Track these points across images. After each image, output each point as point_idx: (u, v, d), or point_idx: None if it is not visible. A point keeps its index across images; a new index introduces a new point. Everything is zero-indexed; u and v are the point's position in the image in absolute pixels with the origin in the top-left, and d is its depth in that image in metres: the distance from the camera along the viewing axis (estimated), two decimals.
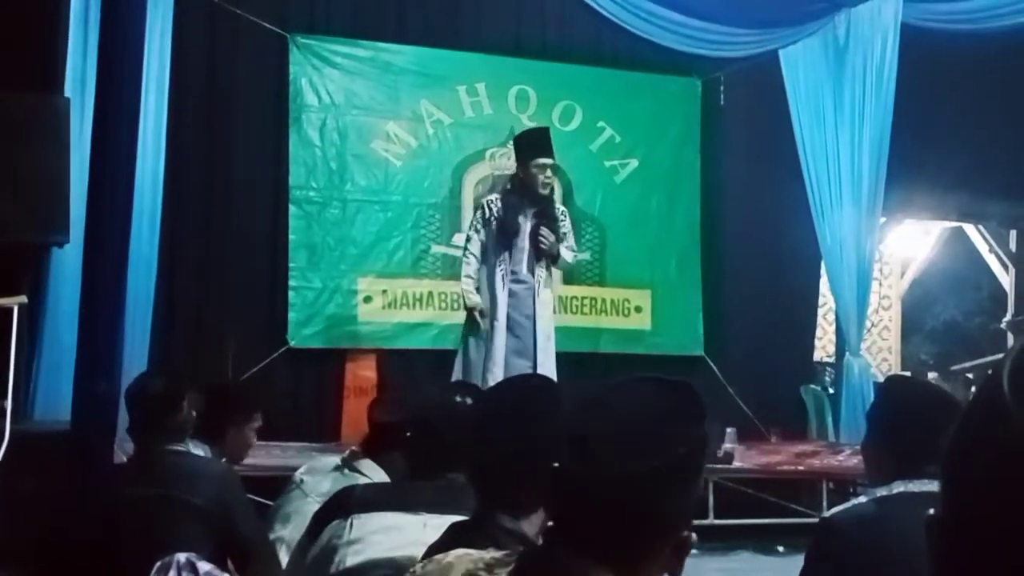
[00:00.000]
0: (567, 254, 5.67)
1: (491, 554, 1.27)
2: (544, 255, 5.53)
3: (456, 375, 5.52)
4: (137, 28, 4.22)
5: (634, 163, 7.60)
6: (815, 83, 7.39)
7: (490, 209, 5.60)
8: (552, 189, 5.68)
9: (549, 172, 5.52)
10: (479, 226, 5.60)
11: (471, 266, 5.60)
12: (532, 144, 5.60)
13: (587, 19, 7.38)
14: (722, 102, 7.66)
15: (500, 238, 5.52)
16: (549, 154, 5.53)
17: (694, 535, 1.19)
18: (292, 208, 6.77)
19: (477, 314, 5.54)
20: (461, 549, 1.34)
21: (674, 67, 7.60)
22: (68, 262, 5.14)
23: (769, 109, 7.54)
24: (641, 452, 1.12)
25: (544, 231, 5.48)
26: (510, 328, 5.51)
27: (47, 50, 5.57)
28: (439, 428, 2.12)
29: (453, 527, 1.64)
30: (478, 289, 5.59)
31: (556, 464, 1.16)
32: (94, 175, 4.08)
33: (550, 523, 1.22)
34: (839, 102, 7.32)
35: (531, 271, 5.56)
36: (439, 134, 7.17)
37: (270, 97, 6.85)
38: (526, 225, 5.52)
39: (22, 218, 4.94)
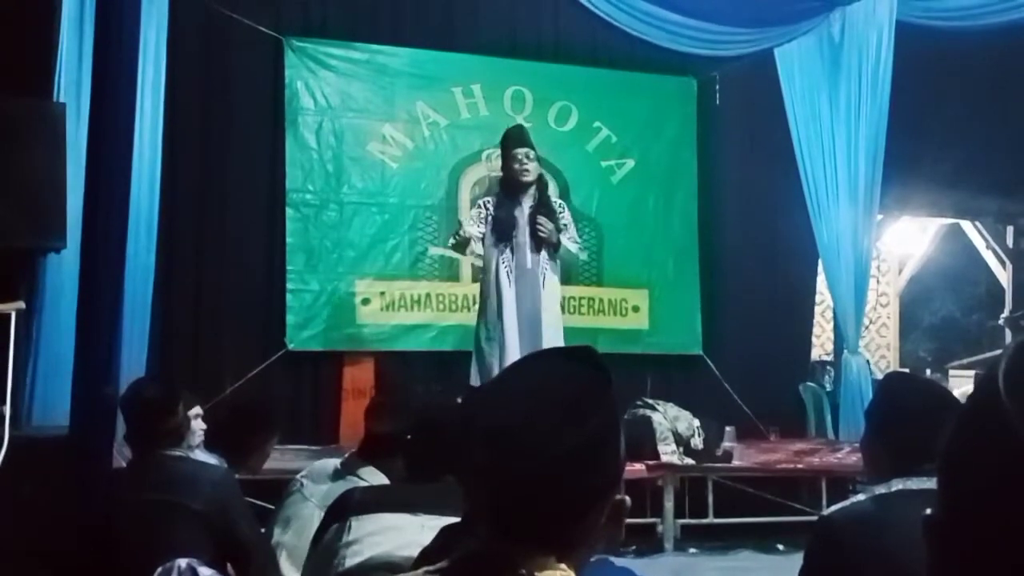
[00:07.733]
0: (571, 244, 5.66)
1: (424, 569, 1.24)
2: (544, 243, 5.52)
3: (474, 378, 5.50)
4: (132, 32, 4.21)
5: (630, 163, 7.59)
6: (811, 81, 7.38)
7: (486, 208, 5.60)
8: (541, 178, 5.66)
9: (524, 159, 5.53)
10: (479, 221, 5.60)
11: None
12: (507, 139, 5.66)
13: (582, 19, 7.37)
14: (718, 101, 7.65)
15: (499, 235, 5.51)
16: (523, 144, 5.57)
17: (627, 498, 1.18)
18: (289, 211, 6.76)
19: (473, 242, 5.61)
20: None
21: (670, 67, 7.60)
22: (65, 267, 5.12)
23: (765, 108, 7.53)
24: (558, 431, 1.10)
25: (541, 219, 5.47)
26: (520, 323, 5.49)
27: (42, 55, 5.55)
28: (437, 430, 2.11)
29: (445, 529, 1.63)
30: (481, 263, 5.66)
31: (475, 461, 1.14)
32: (90, 179, 4.07)
33: (479, 521, 1.19)
34: (835, 100, 7.31)
35: (534, 263, 5.55)
36: (435, 136, 7.16)
37: (266, 100, 6.84)
38: (522, 219, 5.52)
39: (19, 223, 4.94)
